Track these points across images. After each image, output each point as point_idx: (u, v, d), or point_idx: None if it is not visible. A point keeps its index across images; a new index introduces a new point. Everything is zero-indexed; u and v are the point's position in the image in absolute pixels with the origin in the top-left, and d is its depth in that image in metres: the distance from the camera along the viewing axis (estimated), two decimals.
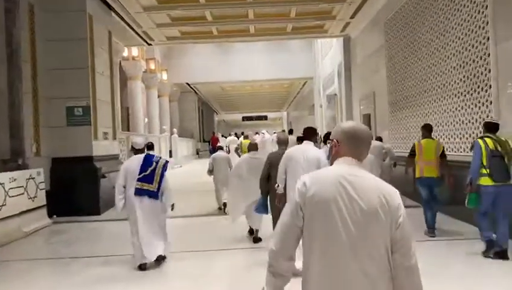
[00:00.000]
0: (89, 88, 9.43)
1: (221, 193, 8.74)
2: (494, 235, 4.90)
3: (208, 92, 28.99)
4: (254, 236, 6.32)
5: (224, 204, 8.40)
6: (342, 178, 1.69)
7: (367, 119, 13.65)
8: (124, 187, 5.19)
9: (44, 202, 8.30)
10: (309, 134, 4.89)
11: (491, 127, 5.02)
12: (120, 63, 17.22)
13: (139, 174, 5.06)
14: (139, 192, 5.07)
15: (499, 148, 4.79)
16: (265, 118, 42.79)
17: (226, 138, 22.20)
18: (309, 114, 30.22)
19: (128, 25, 12.22)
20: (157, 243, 5.16)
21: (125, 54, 17.39)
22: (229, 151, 15.70)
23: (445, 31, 7.72)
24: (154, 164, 5.16)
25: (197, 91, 27.76)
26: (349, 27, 13.64)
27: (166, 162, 5.40)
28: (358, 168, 1.74)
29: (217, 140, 29.66)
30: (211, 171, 8.97)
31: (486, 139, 4.90)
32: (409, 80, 9.52)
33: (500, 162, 4.76)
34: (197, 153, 28.83)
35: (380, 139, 10.22)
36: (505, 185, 4.74)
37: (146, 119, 20.42)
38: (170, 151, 20.58)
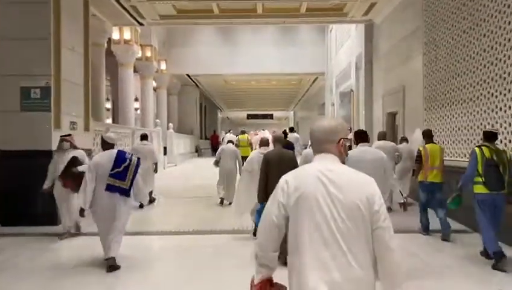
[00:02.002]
0: (51, 64, 7.48)
1: (224, 186, 9.08)
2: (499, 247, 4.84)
3: (210, 86, 26.95)
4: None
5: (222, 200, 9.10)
6: (320, 174, 1.80)
7: (391, 118, 11.61)
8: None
9: None
10: (361, 136, 4.83)
11: (490, 137, 5.09)
12: (111, 47, 15.37)
13: (112, 170, 4.94)
14: (110, 188, 4.95)
15: (495, 158, 4.88)
16: (271, 116, 40.83)
17: (226, 134, 20.28)
18: (318, 114, 28.23)
19: None
20: (114, 244, 4.99)
21: (117, 36, 15.52)
22: None
23: None
24: (128, 161, 5.06)
25: (198, 84, 25.75)
26: (373, 10, 11.58)
27: (139, 159, 5.25)
28: (334, 163, 1.85)
29: (218, 138, 28.02)
30: (217, 162, 9.24)
31: (483, 148, 4.97)
32: (457, 68, 7.47)
33: (495, 172, 4.84)
34: (197, 151, 26.83)
35: (405, 140, 8.68)
36: (499, 194, 4.84)
37: (139, 112, 18.51)
38: (165, 148, 18.59)
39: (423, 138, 6.68)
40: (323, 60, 21.31)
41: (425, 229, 6.38)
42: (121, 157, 5.04)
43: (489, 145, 5.00)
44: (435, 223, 6.30)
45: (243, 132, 17.60)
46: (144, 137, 9.83)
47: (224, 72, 22.24)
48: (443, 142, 7.94)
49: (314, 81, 24.31)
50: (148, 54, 18.62)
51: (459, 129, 7.44)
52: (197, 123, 27.45)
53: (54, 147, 7.20)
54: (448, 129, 7.86)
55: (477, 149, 5.00)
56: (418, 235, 6.44)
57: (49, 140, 7.38)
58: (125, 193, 5.02)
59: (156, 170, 9.53)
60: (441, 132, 8.11)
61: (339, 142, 1.89)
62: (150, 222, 8.23)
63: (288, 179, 1.84)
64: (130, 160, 5.06)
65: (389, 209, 6.85)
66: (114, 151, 5.13)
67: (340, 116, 18.86)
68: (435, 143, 6.55)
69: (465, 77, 7.19)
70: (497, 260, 4.75)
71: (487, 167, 4.85)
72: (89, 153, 9.24)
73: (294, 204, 1.79)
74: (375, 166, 4.28)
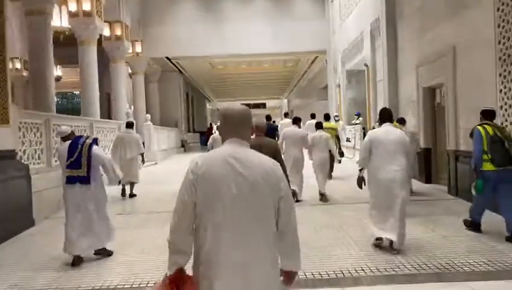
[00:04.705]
0: None
1: None
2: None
3: (195, 72, 23.89)
4: None
5: None
6: (229, 157, 1.87)
7: (430, 93, 8.82)
8: None
9: None
10: (387, 116, 4.91)
11: (489, 114, 5.09)
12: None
13: (67, 161, 4.75)
14: (70, 179, 4.74)
15: (499, 134, 4.85)
16: (264, 105, 38.11)
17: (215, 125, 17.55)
18: (318, 99, 25.44)
19: None
20: (88, 238, 4.73)
21: (74, 8, 12.49)
22: None
23: None
24: (80, 146, 4.79)
25: (181, 70, 22.72)
26: None
27: (94, 139, 4.97)
28: (242, 147, 1.93)
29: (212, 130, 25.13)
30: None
31: (485, 126, 4.95)
32: None
33: (501, 147, 4.78)
34: (183, 146, 23.87)
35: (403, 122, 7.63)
36: (506, 170, 4.76)
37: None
38: (143, 143, 15.59)
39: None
40: (324, 35, 18.44)
41: None
42: (73, 145, 4.82)
43: (490, 123, 4.99)
44: None
45: None
46: (129, 125, 9.43)
47: (209, 54, 19.25)
48: None
49: (313, 61, 21.42)
50: (118, 32, 15.65)
51: None
52: (183, 115, 24.41)
53: None
54: None
55: (479, 127, 4.98)
56: None
57: None
58: (85, 180, 4.72)
59: (143, 160, 9.21)
60: None
61: (252, 128, 2.04)
62: (91, 269, 5.16)
63: (198, 161, 1.89)
64: (82, 144, 4.79)
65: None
66: (68, 142, 4.89)
67: (348, 98, 16.11)
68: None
69: None
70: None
71: (492, 144, 4.80)
72: (12, 155, 6.38)
73: (203, 185, 1.84)
74: (396, 147, 4.56)
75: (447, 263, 4.28)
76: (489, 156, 4.80)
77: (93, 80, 12.85)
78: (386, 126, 4.77)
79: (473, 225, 5.26)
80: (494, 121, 5.14)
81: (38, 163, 7.37)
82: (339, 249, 4.90)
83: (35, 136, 7.35)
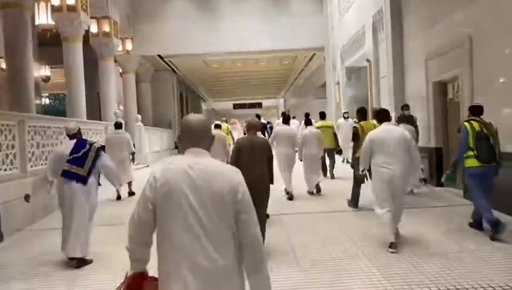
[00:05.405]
0: None
1: None
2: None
3: (189, 71, 23.10)
4: None
5: None
6: (188, 167, 1.86)
7: (441, 88, 8.14)
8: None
9: None
10: (384, 116, 5.14)
11: (477, 110, 5.14)
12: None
13: (70, 156, 4.71)
14: (66, 174, 4.67)
15: (485, 131, 4.91)
16: (260, 105, 37.27)
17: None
18: (315, 98, 24.72)
19: None
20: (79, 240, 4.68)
21: (57, 2, 11.74)
22: None
23: None
24: (88, 146, 4.82)
25: (175, 69, 21.94)
26: None
27: (102, 146, 5.06)
28: (202, 157, 1.93)
29: None
30: None
31: (472, 122, 5.02)
32: None
33: (486, 144, 4.87)
34: (177, 147, 23.08)
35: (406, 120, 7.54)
36: (491, 166, 4.87)
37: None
38: (133, 145, 14.84)
39: (356, 115, 7.08)
40: (322, 31, 17.75)
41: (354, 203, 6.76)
42: (80, 143, 4.84)
43: (477, 119, 5.04)
44: None
45: (225, 121, 16.93)
46: (118, 126, 9.28)
47: (203, 52, 18.48)
48: None
49: (310, 59, 20.72)
50: (107, 28, 14.90)
51: None
52: (177, 115, 23.63)
53: None
54: None
55: (466, 123, 5.05)
56: None
57: None
58: (82, 180, 4.68)
59: (133, 160, 9.16)
60: None
61: (212, 138, 2.06)
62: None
63: (156, 174, 1.89)
64: (90, 146, 4.84)
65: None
66: (74, 140, 4.90)
67: (348, 96, 15.42)
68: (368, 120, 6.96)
69: None
70: (495, 230, 4.77)
71: (478, 140, 4.87)
72: None
73: (162, 198, 1.85)
74: (399, 146, 4.72)
75: (482, 286, 3.59)
76: (475, 152, 4.87)
77: (79, 79, 12.12)
78: (386, 125, 4.98)
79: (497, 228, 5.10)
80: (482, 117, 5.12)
81: (10, 169, 6.63)
82: (347, 262, 4.21)
83: (6, 138, 6.60)
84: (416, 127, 7.86)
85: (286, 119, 8.56)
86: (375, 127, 6.30)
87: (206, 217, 1.80)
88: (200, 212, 1.80)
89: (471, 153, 4.91)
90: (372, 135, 4.93)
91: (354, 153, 7.05)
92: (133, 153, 9.16)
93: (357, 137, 6.57)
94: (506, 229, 4.77)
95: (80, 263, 4.61)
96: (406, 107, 8.15)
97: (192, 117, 2.03)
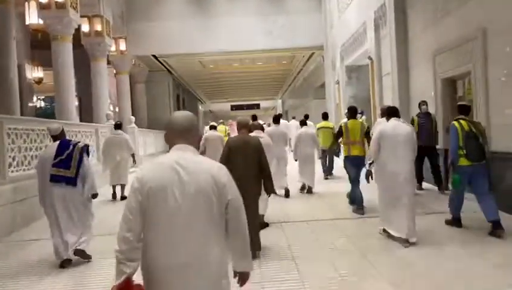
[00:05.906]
0: None
1: None
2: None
3: (185, 71, 22.58)
4: (260, 221, 5.32)
5: None
6: (175, 163, 1.91)
7: (451, 85, 7.66)
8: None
9: None
10: (393, 112, 5.12)
11: (465, 110, 5.21)
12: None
13: (55, 159, 4.64)
14: (54, 178, 4.61)
15: (473, 129, 4.97)
16: (258, 106, 36.78)
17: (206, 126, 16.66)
18: (313, 98, 24.26)
19: None
20: (76, 236, 4.68)
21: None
22: None
23: None
24: (72, 146, 4.77)
25: (170, 70, 21.43)
26: None
27: (85, 145, 4.94)
28: (188, 153, 1.96)
29: None
30: (202, 153, 8.21)
31: (461, 121, 5.05)
32: None
33: (475, 143, 4.93)
34: None
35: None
36: (480, 164, 4.93)
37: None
38: None
39: (346, 113, 7.04)
40: (321, 30, 17.30)
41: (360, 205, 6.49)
42: (63, 144, 4.78)
43: (465, 118, 5.08)
44: None
45: (222, 123, 17.44)
46: (117, 126, 9.13)
47: (199, 51, 18.01)
48: None
49: (309, 58, 20.25)
50: (99, 27, 14.38)
51: None
52: None
53: None
54: None
55: (455, 123, 5.06)
56: None
57: None
58: (71, 181, 4.64)
59: (134, 161, 8.98)
60: None
61: (200, 135, 2.01)
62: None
63: (144, 171, 1.94)
64: (74, 146, 4.77)
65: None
66: (57, 142, 4.83)
67: (348, 96, 14.94)
68: (357, 119, 6.94)
69: None
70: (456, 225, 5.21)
71: (467, 139, 4.92)
72: None
73: (149, 194, 1.87)
74: (403, 142, 4.76)
75: None
76: (464, 151, 4.92)
77: (68, 80, 11.59)
78: (394, 121, 4.97)
79: (454, 220, 5.30)
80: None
81: None
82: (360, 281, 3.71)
83: None
84: (435, 124, 7.47)
85: (277, 119, 8.94)
86: (362, 125, 6.79)
87: (193, 213, 1.86)
88: (186, 209, 1.85)
89: (460, 152, 4.96)
90: (381, 129, 4.95)
91: (332, 145, 8.24)
92: (133, 155, 8.94)
93: (340, 134, 6.77)
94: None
95: (82, 255, 4.65)
96: (423, 103, 7.65)
97: (179, 114, 2.07)
